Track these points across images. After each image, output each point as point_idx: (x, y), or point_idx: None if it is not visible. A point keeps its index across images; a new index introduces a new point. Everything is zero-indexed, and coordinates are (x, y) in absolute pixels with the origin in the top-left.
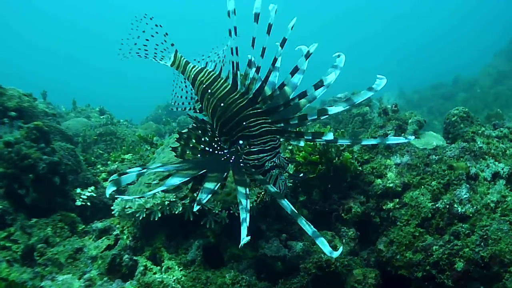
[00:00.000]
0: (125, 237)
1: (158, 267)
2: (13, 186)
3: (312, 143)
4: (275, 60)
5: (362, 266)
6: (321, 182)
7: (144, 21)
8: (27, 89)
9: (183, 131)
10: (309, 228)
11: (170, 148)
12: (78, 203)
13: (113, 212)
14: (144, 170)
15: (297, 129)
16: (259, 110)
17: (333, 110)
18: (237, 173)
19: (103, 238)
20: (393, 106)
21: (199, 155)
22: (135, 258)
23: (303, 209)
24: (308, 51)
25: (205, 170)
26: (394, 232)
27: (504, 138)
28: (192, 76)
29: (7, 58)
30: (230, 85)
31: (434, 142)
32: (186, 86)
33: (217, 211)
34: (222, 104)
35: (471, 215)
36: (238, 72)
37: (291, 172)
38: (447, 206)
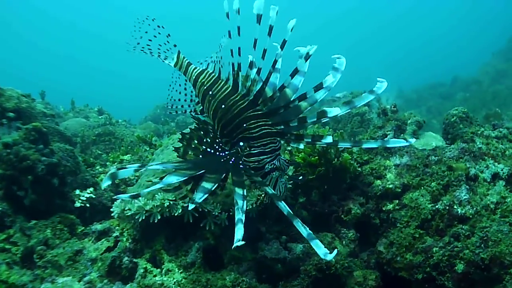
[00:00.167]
0: (124, 239)
1: (158, 270)
2: (12, 187)
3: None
4: (275, 62)
5: (362, 268)
6: (320, 183)
7: (146, 22)
8: (25, 88)
9: (186, 132)
10: (304, 230)
11: (172, 149)
12: (77, 204)
13: (112, 214)
14: (143, 166)
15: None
16: (259, 112)
17: (332, 112)
18: (235, 174)
19: (103, 240)
20: (392, 106)
21: (200, 156)
22: (135, 260)
23: (303, 211)
24: (308, 53)
25: (203, 171)
26: (394, 234)
27: (503, 138)
28: (194, 77)
29: (5, 57)
30: (231, 87)
31: (433, 142)
32: (185, 88)
33: (216, 213)
34: (223, 106)
35: (471, 216)
36: (240, 73)
37: (290, 174)
38: (447, 208)
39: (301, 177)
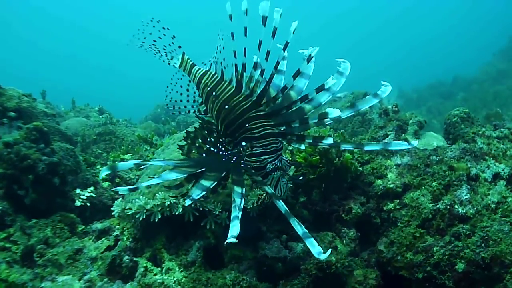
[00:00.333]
0: (125, 238)
1: (159, 268)
2: (13, 187)
3: None
4: (277, 63)
5: (362, 267)
6: (321, 183)
7: (151, 24)
8: (26, 88)
9: (190, 131)
10: (300, 229)
11: (173, 148)
12: (78, 203)
13: (113, 213)
14: (142, 162)
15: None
16: (262, 113)
17: (333, 113)
18: (235, 173)
19: (103, 239)
20: (394, 106)
21: (204, 155)
22: (135, 259)
23: (304, 210)
24: (310, 55)
25: (203, 169)
26: (395, 233)
27: (504, 138)
28: (197, 78)
29: (6, 57)
30: (234, 88)
31: (434, 142)
32: (188, 90)
33: (217, 212)
34: (226, 107)
35: (471, 216)
36: (244, 74)
37: (291, 174)
38: (448, 207)
39: (301, 177)
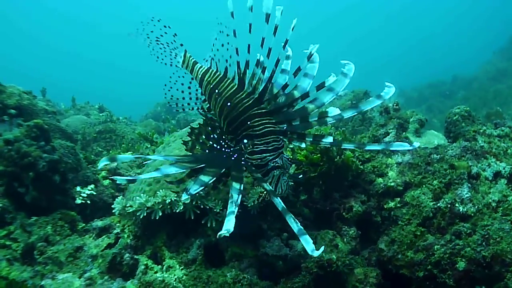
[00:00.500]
0: (125, 235)
1: (159, 266)
2: (13, 184)
3: None
4: (277, 61)
5: (363, 265)
6: (322, 181)
7: (152, 23)
8: (25, 83)
9: (195, 126)
10: (295, 226)
11: (173, 145)
12: (78, 201)
13: (113, 211)
14: (142, 156)
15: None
16: (263, 110)
17: (332, 112)
18: (235, 169)
19: (104, 236)
20: (395, 104)
21: (207, 151)
22: (136, 257)
23: (304, 208)
24: (310, 52)
25: (203, 165)
26: (395, 231)
27: (505, 137)
28: (200, 76)
29: (5, 52)
30: (236, 85)
31: (435, 141)
32: (190, 87)
33: (218, 210)
34: (229, 104)
35: (472, 214)
36: (247, 71)
37: (292, 172)
38: (449, 206)
39: (301, 176)
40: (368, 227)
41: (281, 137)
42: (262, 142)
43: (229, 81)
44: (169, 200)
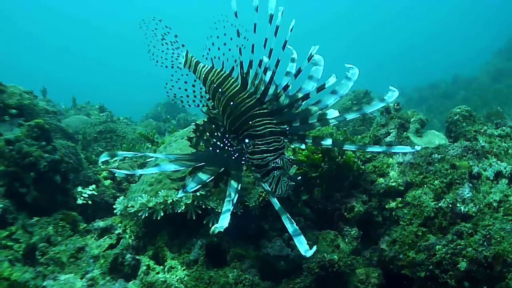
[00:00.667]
0: (127, 236)
1: (161, 267)
2: (14, 184)
3: None
4: (278, 61)
5: (365, 266)
6: (323, 181)
7: (153, 22)
8: (26, 83)
9: (199, 123)
10: (290, 226)
11: (174, 145)
12: (79, 201)
13: (115, 211)
14: (143, 154)
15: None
16: (265, 111)
17: (331, 114)
18: (235, 168)
19: (105, 237)
20: (395, 104)
21: (210, 148)
22: (137, 257)
23: (306, 208)
24: (310, 53)
25: (203, 163)
26: (397, 232)
27: (506, 137)
28: (203, 75)
29: (7, 52)
30: (239, 85)
31: (436, 141)
32: (194, 85)
33: (220, 210)
34: (231, 103)
35: (474, 214)
36: (250, 71)
37: (293, 172)
38: (450, 205)
39: (299, 178)
40: (369, 227)
41: (282, 137)
42: (263, 142)
43: (232, 80)
44: (171, 200)
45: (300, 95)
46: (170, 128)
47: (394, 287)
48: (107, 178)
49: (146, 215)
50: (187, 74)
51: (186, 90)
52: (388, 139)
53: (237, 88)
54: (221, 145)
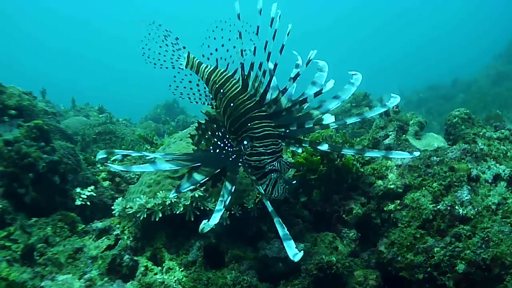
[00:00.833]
0: (125, 237)
1: (159, 268)
2: (13, 185)
3: None
4: (275, 65)
5: (363, 268)
6: (322, 183)
7: (152, 26)
8: (25, 84)
9: (202, 122)
10: (281, 230)
11: (173, 146)
12: (78, 202)
13: (113, 212)
14: (140, 153)
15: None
16: (264, 113)
17: (327, 120)
18: (231, 170)
19: (103, 238)
20: (395, 107)
21: (211, 147)
22: (135, 258)
23: (304, 210)
24: (309, 58)
25: (199, 164)
26: (395, 234)
27: (505, 140)
28: (206, 76)
29: (6, 53)
30: (240, 86)
31: (435, 143)
32: (198, 85)
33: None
34: (232, 104)
35: (472, 217)
36: (251, 72)
37: (291, 174)
38: (448, 208)
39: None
40: (368, 229)
41: (280, 140)
42: (261, 144)
43: (234, 81)
44: (169, 202)
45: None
46: (169, 130)
47: None
48: (105, 179)
49: (145, 216)
50: (190, 74)
51: (191, 89)
52: (387, 141)
53: (238, 89)
54: (221, 145)
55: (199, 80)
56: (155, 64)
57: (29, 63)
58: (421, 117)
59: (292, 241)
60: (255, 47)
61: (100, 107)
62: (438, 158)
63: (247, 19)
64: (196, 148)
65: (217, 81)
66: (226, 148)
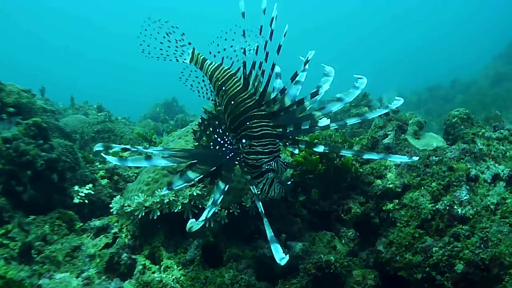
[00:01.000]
0: (123, 235)
1: (157, 266)
2: (11, 182)
3: None
4: (273, 65)
5: (361, 267)
6: (321, 182)
7: (158, 24)
8: (24, 82)
9: (204, 118)
10: (269, 232)
11: (172, 145)
12: (76, 200)
13: (111, 210)
14: (139, 149)
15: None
16: (263, 113)
17: (322, 123)
18: (226, 169)
19: (101, 236)
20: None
21: (211, 143)
22: (133, 256)
23: (303, 209)
24: (307, 58)
25: (195, 161)
26: (394, 233)
27: (504, 140)
28: (210, 73)
29: (5, 50)
30: (241, 85)
31: (434, 143)
32: (203, 80)
33: (216, 210)
34: (232, 102)
35: (471, 216)
36: (253, 71)
37: (289, 174)
38: (447, 208)
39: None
40: (366, 229)
41: (277, 140)
42: (259, 144)
43: (236, 79)
44: (168, 200)
45: (307, 102)
46: (168, 128)
47: None
48: (104, 178)
49: (143, 214)
50: (195, 70)
51: (199, 83)
52: (386, 141)
53: (239, 88)
54: (221, 141)
55: (203, 76)
56: (158, 57)
57: (28, 60)
58: (420, 117)
59: (278, 245)
60: (257, 46)
61: (99, 105)
62: (437, 158)
63: (253, 18)
64: (197, 143)
65: (220, 78)
66: (226, 145)
